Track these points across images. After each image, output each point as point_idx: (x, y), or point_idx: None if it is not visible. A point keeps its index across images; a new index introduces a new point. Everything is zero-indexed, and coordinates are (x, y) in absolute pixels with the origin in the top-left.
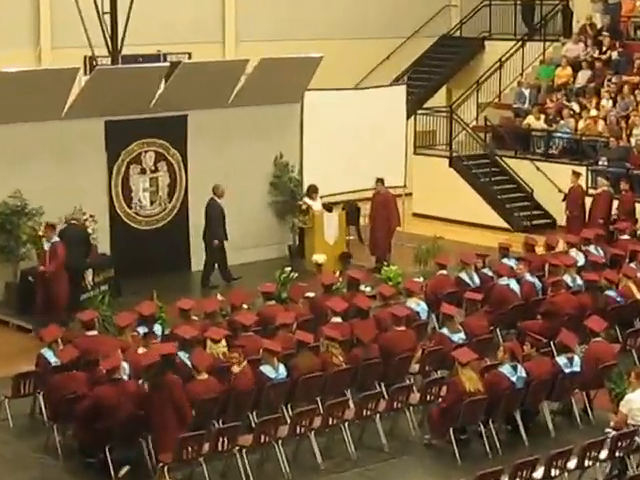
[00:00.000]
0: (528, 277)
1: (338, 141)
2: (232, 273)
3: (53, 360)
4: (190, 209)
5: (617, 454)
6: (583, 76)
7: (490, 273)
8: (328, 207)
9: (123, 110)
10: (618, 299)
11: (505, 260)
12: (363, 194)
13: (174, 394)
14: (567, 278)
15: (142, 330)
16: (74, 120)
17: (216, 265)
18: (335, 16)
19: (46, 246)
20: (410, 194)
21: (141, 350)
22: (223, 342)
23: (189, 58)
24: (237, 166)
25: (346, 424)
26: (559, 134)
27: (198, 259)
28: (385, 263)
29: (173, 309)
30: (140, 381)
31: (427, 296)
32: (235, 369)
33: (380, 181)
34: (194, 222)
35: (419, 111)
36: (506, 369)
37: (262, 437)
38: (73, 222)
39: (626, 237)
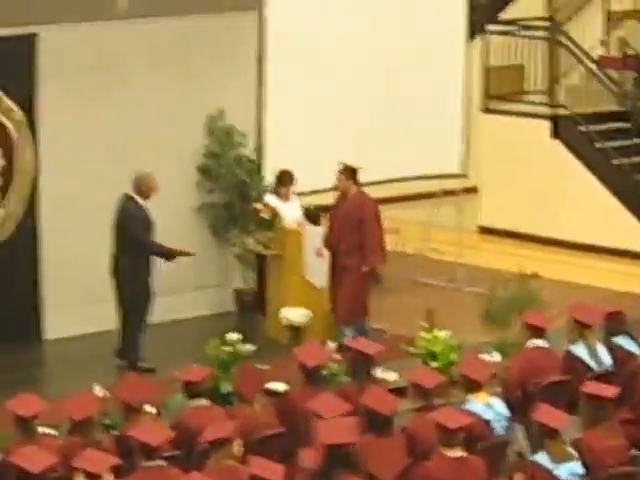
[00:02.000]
0: None
1: (333, 89)
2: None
3: None
4: (42, 217)
5: None
6: None
7: (631, 347)
8: (313, 215)
9: None
10: None
11: None
12: (385, 190)
13: None
14: None
15: None
16: None
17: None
18: None
19: None
20: (474, 190)
21: None
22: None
23: None
24: (135, 134)
25: None
26: None
27: (58, 316)
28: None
29: (4, 414)
30: None
31: (508, 390)
32: None
33: (347, 172)
34: (51, 242)
35: (491, 27)
36: None
37: None
38: None
39: None
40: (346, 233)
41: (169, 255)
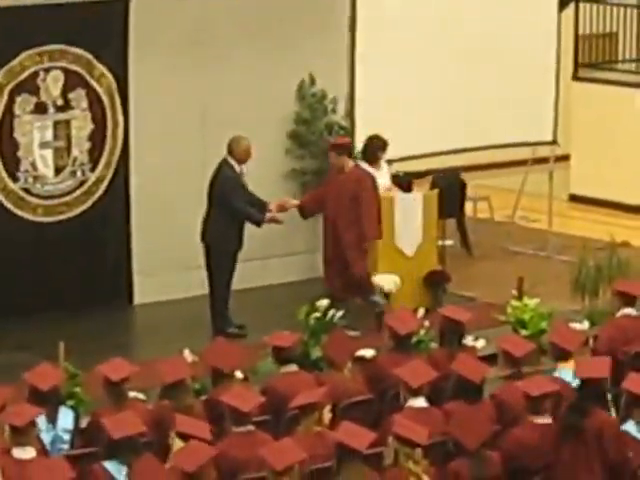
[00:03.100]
0: None
1: (422, 56)
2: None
3: None
4: (132, 182)
5: None
6: None
7: None
8: (404, 182)
9: None
10: None
11: None
12: (475, 158)
13: None
14: None
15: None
16: None
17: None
18: None
19: None
20: (566, 158)
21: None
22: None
23: None
24: (224, 101)
25: None
26: None
27: (146, 281)
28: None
29: (95, 379)
30: None
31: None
32: None
33: (337, 147)
34: (141, 207)
35: None
36: None
37: None
38: None
39: None
40: (343, 208)
41: (260, 222)
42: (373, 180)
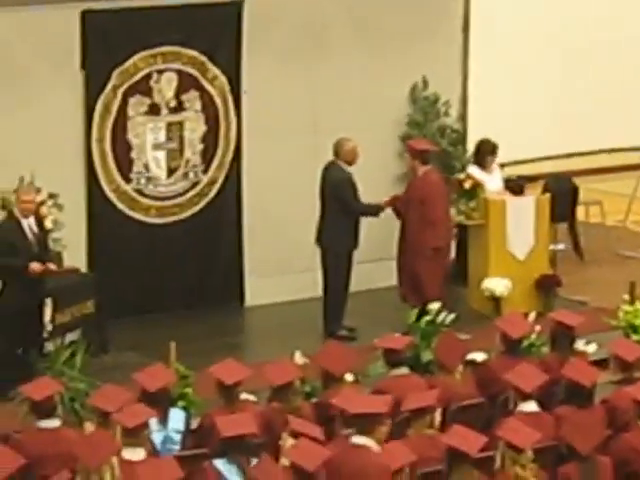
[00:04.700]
0: None
1: (535, 59)
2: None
3: None
4: (245, 184)
5: None
6: None
7: None
8: (516, 187)
9: None
10: None
11: None
12: (587, 162)
13: None
14: None
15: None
16: (15, 9)
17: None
18: None
19: None
20: None
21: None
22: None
23: None
24: (336, 103)
25: None
26: None
27: (258, 283)
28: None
29: (206, 380)
30: None
31: None
32: None
33: (411, 151)
34: (254, 209)
35: None
36: None
37: None
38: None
39: None
40: (411, 212)
41: (377, 211)
42: (441, 187)
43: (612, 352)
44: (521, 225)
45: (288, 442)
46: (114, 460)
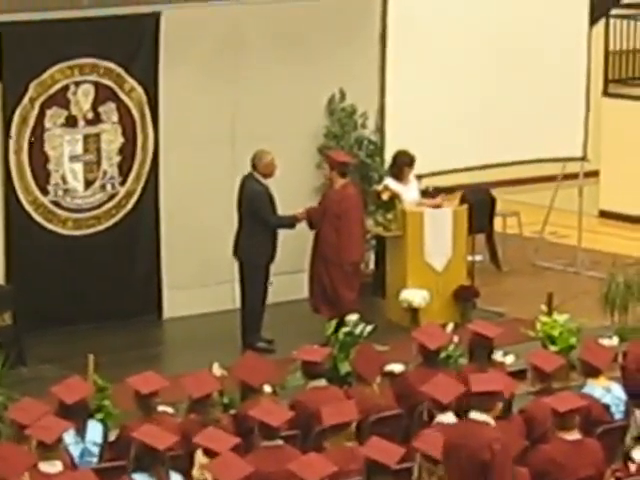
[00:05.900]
0: None
1: (453, 71)
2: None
3: None
4: (162, 196)
5: None
6: None
7: None
8: (432, 197)
9: (33, 3)
10: None
11: None
12: (504, 173)
13: None
14: None
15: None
16: None
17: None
18: None
19: None
20: (595, 174)
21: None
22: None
23: None
24: (254, 115)
25: None
26: None
27: (176, 295)
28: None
29: (125, 392)
30: None
31: (627, 375)
32: None
33: (329, 161)
34: (170, 221)
35: (614, 11)
36: None
37: None
38: None
39: None
40: (326, 224)
41: (292, 222)
42: (358, 201)
43: (530, 363)
44: (439, 236)
45: (199, 456)
46: (26, 475)
